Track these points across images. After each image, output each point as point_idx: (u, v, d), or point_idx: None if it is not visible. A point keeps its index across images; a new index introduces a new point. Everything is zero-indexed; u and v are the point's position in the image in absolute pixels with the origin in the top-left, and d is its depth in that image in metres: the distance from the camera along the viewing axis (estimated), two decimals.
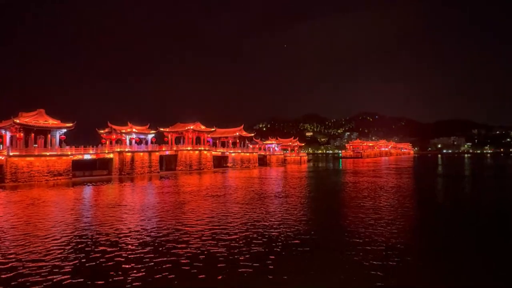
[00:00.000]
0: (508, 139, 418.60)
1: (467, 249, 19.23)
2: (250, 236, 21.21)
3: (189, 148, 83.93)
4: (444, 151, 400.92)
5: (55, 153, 60.24)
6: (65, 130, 63.77)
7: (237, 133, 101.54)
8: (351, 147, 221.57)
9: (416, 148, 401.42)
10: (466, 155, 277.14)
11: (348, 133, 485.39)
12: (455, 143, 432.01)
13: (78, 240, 20.42)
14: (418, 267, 16.27)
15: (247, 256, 17.42)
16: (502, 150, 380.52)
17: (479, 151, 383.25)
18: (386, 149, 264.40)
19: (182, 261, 16.72)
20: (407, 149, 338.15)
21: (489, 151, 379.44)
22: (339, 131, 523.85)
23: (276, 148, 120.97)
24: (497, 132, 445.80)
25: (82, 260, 16.78)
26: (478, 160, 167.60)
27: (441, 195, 43.63)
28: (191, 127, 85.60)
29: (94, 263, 16.41)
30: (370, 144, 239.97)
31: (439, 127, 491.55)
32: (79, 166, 66.31)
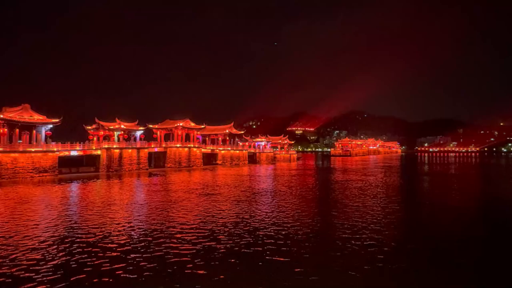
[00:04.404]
0: (492, 139, 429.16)
1: (457, 249, 19.60)
2: (240, 234, 21.16)
3: (178, 145, 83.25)
4: (431, 150, 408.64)
5: (41, 149, 58.95)
6: (51, 125, 62.44)
7: (227, 131, 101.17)
8: (340, 145, 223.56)
9: (403, 147, 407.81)
10: (451, 154, 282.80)
11: (337, 131, 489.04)
12: (441, 142, 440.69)
13: (64, 239, 20.01)
14: (408, 268, 16.50)
15: (238, 254, 17.38)
16: (486, 149, 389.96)
17: (464, 150, 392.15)
18: (375, 147, 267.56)
19: (173, 260, 16.57)
20: (395, 148, 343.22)
21: (473, 150, 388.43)
22: (328, 129, 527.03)
23: (267, 146, 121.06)
24: (482, 132, 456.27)
25: (68, 260, 16.44)
26: (463, 159, 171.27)
27: (428, 193, 44.36)
28: (181, 124, 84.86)
29: (80, 263, 16.10)
30: (359, 143, 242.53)
31: (426, 126, 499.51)
32: (65, 162, 65.07)
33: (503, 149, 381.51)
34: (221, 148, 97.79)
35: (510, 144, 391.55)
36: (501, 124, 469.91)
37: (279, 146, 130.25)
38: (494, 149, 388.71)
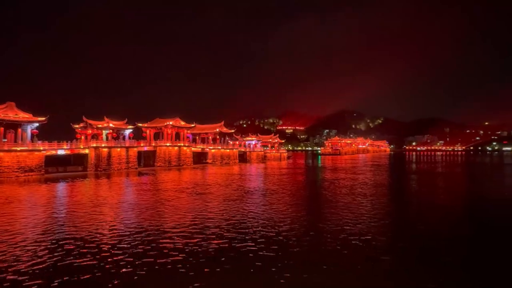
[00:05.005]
0: (478, 138, 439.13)
1: (444, 248, 19.93)
2: (232, 233, 21.08)
3: (168, 144, 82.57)
4: (419, 148, 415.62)
5: (26, 148, 57.71)
6: (37, 124, 61.21)
7: (218, 129, 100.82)
8: (329, 144, 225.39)
9: (392, 146, 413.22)
10: (438, 153, 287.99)
11: (327, 130, 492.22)
12: (429, 141, 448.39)
13: (51, 240, 19.61)
14: (398, 267, 16.70)
15: (230, 253, 17.31)
16: (472, 148, 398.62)
17: (450, 149, 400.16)
18: (364, 146, 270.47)
19: (164, 260, 16.40)
20: (384, 147, 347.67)
21: (459, 149, 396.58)
22: (318, 128, 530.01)
23: (258, 145, 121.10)
24: (468, 131, 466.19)
25: (56, 263, 16.10)
26: (449, 158, 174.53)
27: (415, 192, 44.99)
28: (171, 123, 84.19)
29: (69, 264, 15.80)
30: (348, 142, 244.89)
31: (415, 126, 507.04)
32: (52, 162, 63.92)
33: (488, 148, 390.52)
34: (211, 147, 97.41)
35: (494, 143, 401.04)
36: (486, 123, 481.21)
37: (269, 145, 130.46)
38: (480, 148, 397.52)
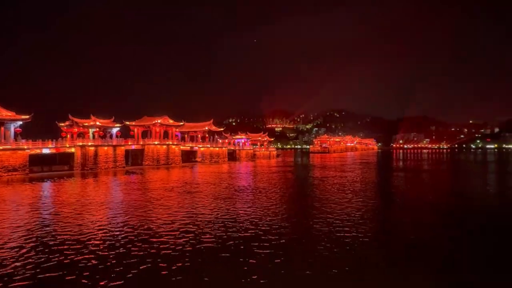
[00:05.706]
0: (462, 136, 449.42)
1: (434, 246, 20.25)
2: (223, 232, 20.95)
3: (156, 143, 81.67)
4: (405, 146, 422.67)
5: (9, 147, 56.25)
6: (20, 122, 59.78)
7: (207, 128, 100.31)
8: (319, 142, 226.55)
9: (380, 144, 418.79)
10: (424, 151, 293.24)
11: (316, 128, 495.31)
12: (415, 139, 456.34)
13: (36, 241, 19.09)
14: (392, 265, 16.86)
15: (222, 253, 17.19)
16: (456, 146, 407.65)
17: (436, 147, 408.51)
18: (352, 144, 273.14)
19: (155, 260, 16.15)
20: (372, 145, 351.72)
21: (445, 147, 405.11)
22: (307, 126, 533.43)
23: (247, 143, 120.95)
24: (453, 129, 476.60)
25: (42, 265, 15.67)
26: (435, 155, 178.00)
27: (402, 189, 45.65)
28: (159, 121, 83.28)
29: (56, 266, 15.41)
30: (337, 140, 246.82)
31: (401, 124, 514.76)
32: (37, 161, 62.44)
33: (472, 145, 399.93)
34: (200, 145, 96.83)
35: (478, 141, 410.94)
36: (471, 121, 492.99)
37: (258, 143, 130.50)
38: (464, 145, 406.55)
